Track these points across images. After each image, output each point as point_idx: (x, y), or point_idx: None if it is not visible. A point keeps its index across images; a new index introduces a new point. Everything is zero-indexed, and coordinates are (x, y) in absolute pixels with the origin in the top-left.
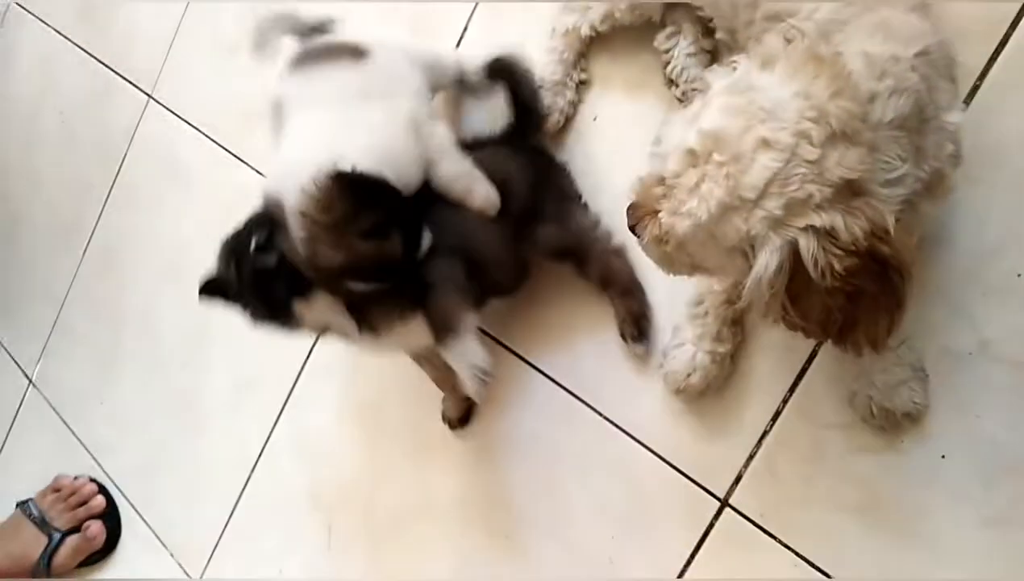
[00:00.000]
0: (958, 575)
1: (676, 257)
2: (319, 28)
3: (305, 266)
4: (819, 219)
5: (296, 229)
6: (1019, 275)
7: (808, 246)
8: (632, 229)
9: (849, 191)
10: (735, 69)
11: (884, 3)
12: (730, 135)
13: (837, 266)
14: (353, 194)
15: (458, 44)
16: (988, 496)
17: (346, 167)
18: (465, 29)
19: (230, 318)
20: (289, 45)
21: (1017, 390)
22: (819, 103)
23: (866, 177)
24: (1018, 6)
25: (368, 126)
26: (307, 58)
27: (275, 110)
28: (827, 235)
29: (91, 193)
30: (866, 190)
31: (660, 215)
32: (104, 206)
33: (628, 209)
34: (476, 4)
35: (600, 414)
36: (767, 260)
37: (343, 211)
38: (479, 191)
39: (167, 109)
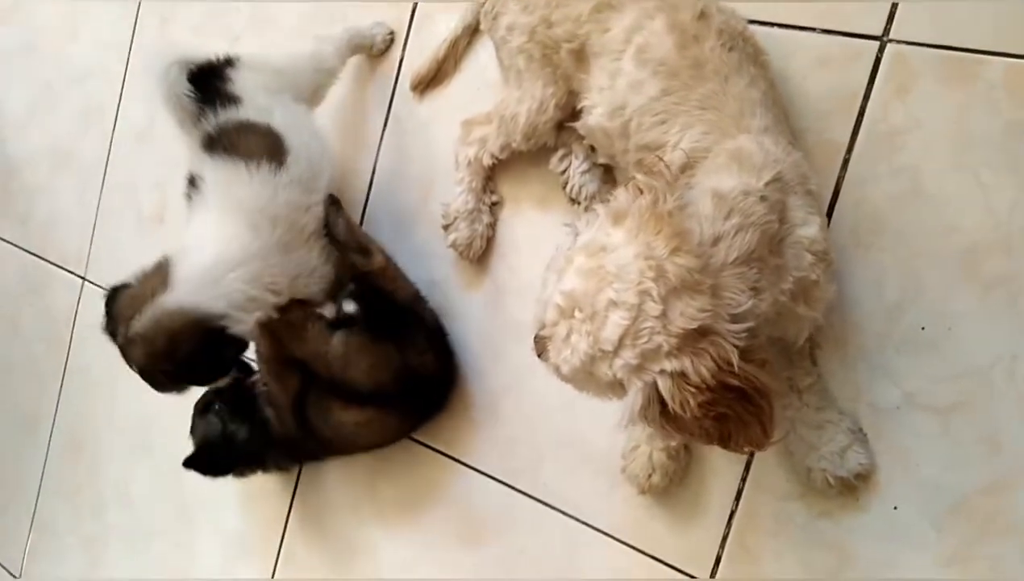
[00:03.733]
0: None
1: (574, 384)
2: (220, 67)
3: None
4: (670, 365)
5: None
6: (923, 328)
7: (665, 386)
8: (539, 357)
9: (696, 335)
10: (597, 217)
11: (739, 129)
12: (586, 296)
13: (693, 402)
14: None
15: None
16: (941, 538)
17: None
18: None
19: (207, 483)
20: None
21: (946, 434)
22: (659, 262)
23: (710, 321)
24: (866, 77)
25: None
26: (224, 143)
27: (192, 182)
28: (680, 377)
29: (45, 383)
30: (712, 330)
31: (549, 354)
32: (60, 394)
33: (534, 340)
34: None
35: (579, 520)
36: (634, 399)
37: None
38: None
39: (103, 288)
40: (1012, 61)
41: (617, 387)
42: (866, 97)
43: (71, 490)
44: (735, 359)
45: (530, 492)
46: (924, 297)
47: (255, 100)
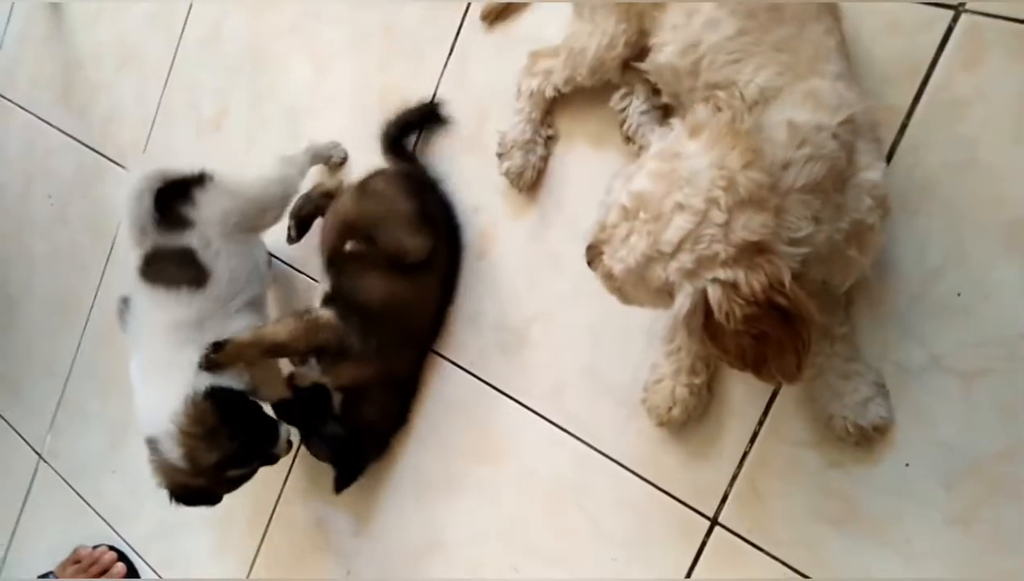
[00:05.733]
0: (930, 573)
1: (622, 292)
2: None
3: (188, 471)
4: (723, 273)
5: (174, 449)
6: (959, 294)
7: (714, 295)
8: (589, 265)
9: (754, 249)
10: (672, 131)
11: (813, 72)
12: (654, 197)
13: (739, 313)
14: (220, 407)
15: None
16: (950, 498)
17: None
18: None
19: None
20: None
21: (966, 399)
22: (731, 173)
23: (769, 238)
24: (935, 46)
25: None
26: (155, 272)
27: (122, 306)
28: (731, 287)
29: (87, 270)
30: (769, 248)
31: (604, 257)
32: (100, 282)
33: (586, 249)
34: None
35: (593, 447)
36: (681, 303)
37: (215, 421)
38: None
39: None
40: None
41: (664, 295)
42: (932, 65)
43: (100, 374)
44: (787, 279)
45: (549, 416)
46: (965, 265)
47: (205, 229)
